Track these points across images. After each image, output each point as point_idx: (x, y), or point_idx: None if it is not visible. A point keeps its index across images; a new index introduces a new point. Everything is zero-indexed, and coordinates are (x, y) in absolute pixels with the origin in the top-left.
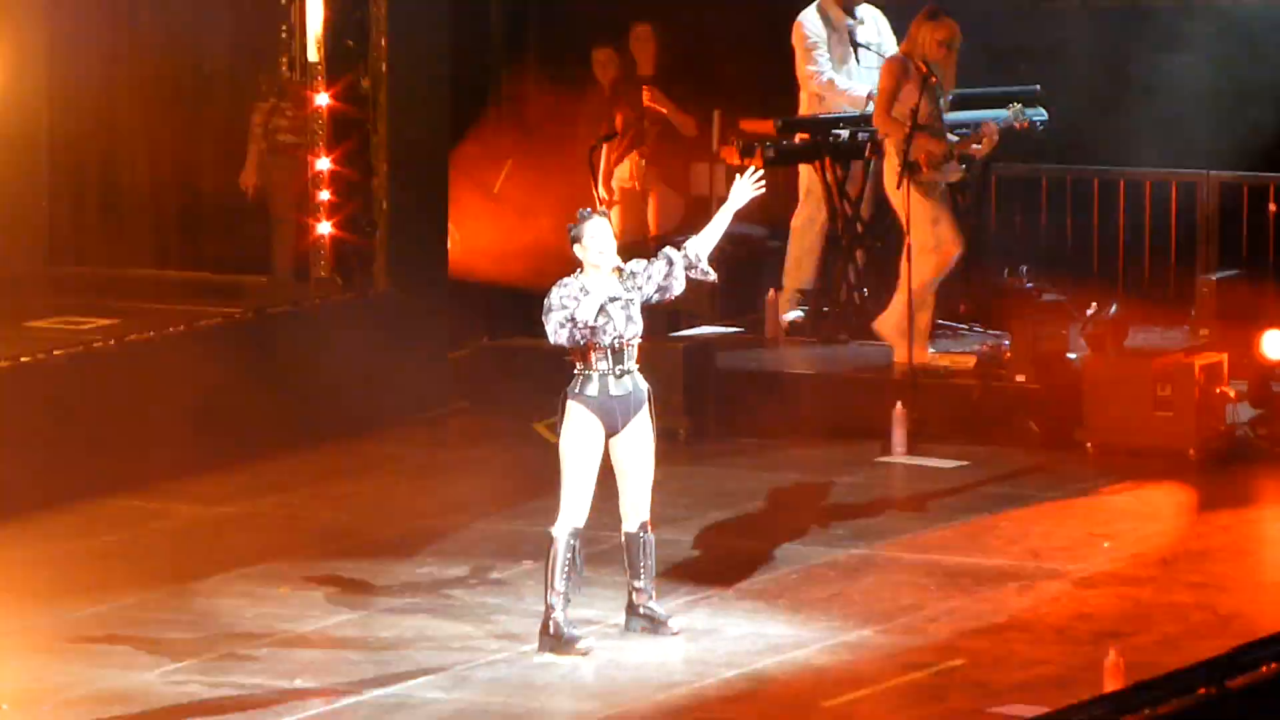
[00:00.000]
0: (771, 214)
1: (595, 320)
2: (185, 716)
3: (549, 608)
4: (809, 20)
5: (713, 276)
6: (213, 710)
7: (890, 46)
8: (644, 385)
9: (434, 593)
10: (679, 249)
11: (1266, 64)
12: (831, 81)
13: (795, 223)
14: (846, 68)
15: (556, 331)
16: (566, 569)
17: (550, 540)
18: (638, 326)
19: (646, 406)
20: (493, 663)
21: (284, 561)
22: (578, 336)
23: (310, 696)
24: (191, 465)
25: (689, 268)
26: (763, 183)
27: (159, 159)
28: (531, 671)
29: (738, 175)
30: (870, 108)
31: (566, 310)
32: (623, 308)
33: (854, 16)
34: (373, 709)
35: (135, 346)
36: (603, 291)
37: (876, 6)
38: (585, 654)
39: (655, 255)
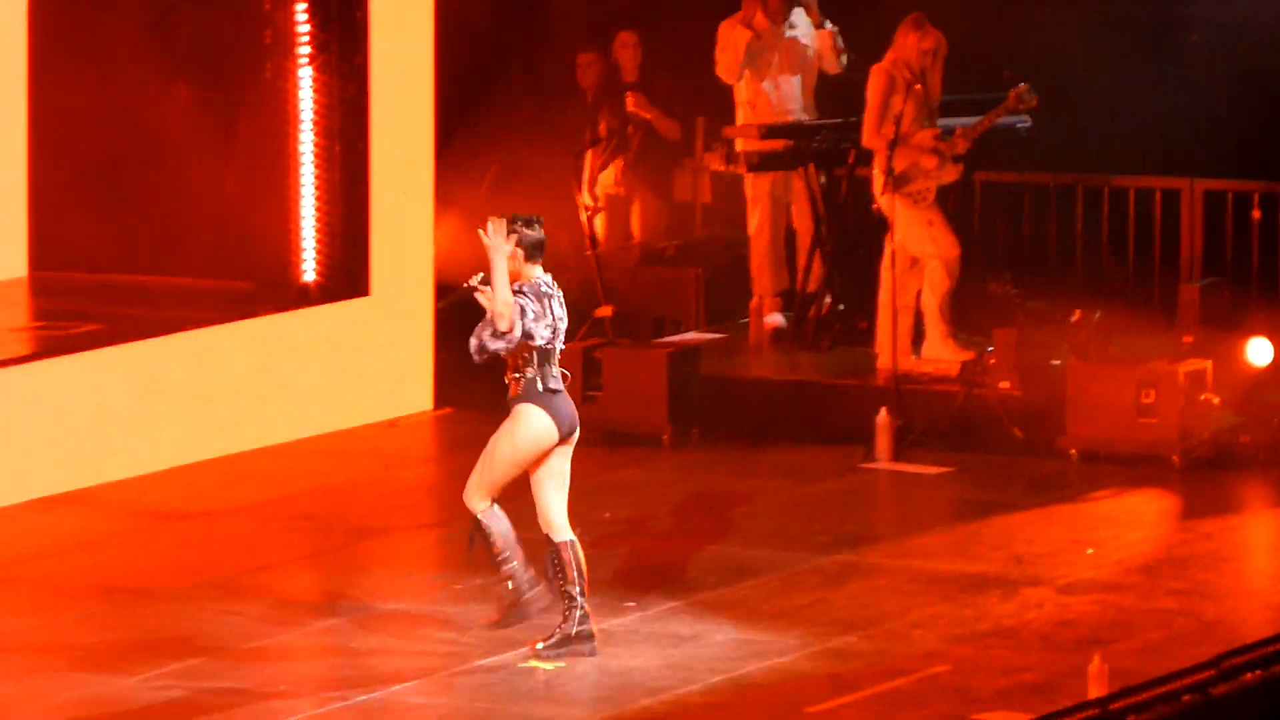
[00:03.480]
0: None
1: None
2: None
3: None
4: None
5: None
6: (194, 713)
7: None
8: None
9: (421, 598)
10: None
11: (1253, 72)
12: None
13: (749, 231)
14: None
15: (528, 328)
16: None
17: (566, 546)
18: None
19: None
20: (477, 669)
21: (264, 567)
22: (545, 334)
23: (291, 699)
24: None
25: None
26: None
27: (144, 157)
28: (515, 678)
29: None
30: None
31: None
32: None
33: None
34: (357, 714)
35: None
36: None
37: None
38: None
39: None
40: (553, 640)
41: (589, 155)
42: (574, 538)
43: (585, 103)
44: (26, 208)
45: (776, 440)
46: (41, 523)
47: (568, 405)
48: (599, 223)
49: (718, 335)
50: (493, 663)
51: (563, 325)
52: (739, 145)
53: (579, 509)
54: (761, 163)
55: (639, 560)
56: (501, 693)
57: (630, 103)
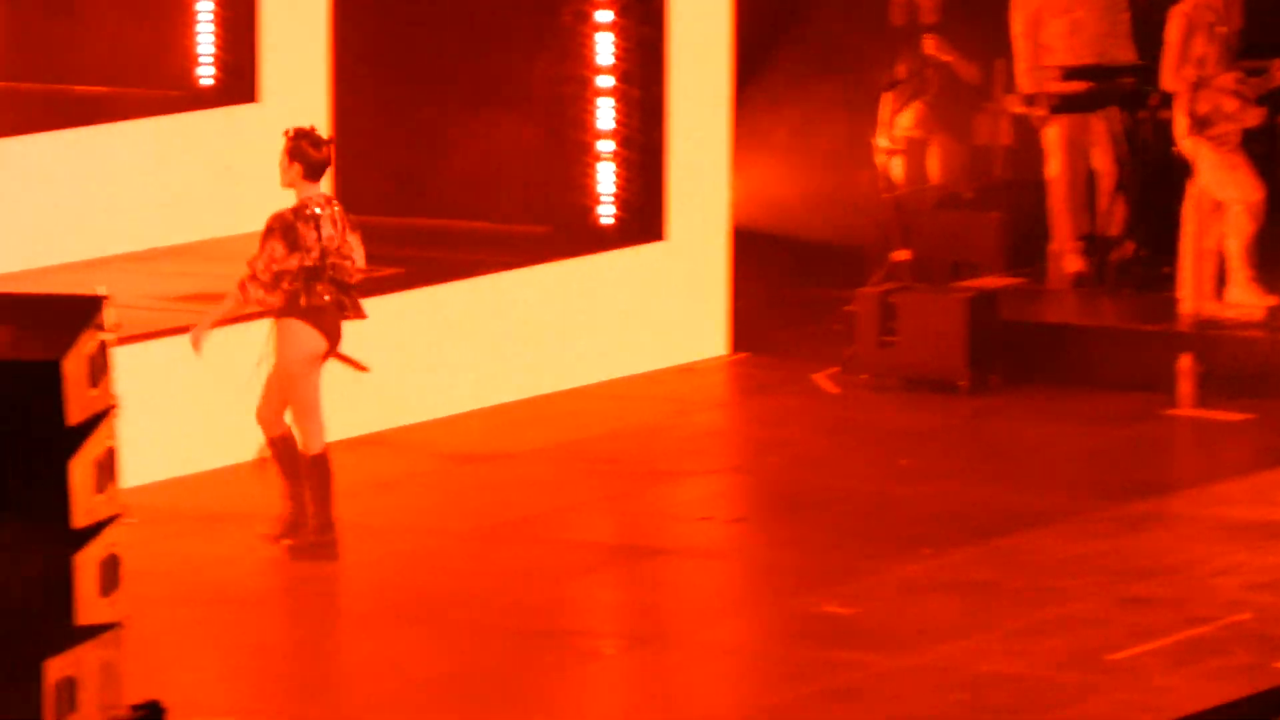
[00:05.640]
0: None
1: None
2: None
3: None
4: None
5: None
6: (491, 656)
7: None
8: None
9: (714, 541)
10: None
11: None
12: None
13: (1048, 174)
14: None
15: (275, 274)
16: None
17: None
18: None
19: None
20: (774, 611)
21: (560, 509)
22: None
23: (592, 640)
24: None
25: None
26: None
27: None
28: (811, 621)
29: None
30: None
31: None
32: None
33: None
34: (656, 655)
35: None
36: None
37: None
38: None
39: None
40: (298, 545)
41: (887, 97)
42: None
43: (889, 40)
44: (330, 153)
45: (1076, 386)
46: (342, 464)
47: (328, 321)
48: (897, 165)
49: (1017, 280)
50: (789, 605)
51: (334, 244)
52: (1038, 88)
53: (875, 455)
54: (1062, 105)
55: (936, 506)
56: (797, 634)
57: (929, 45)
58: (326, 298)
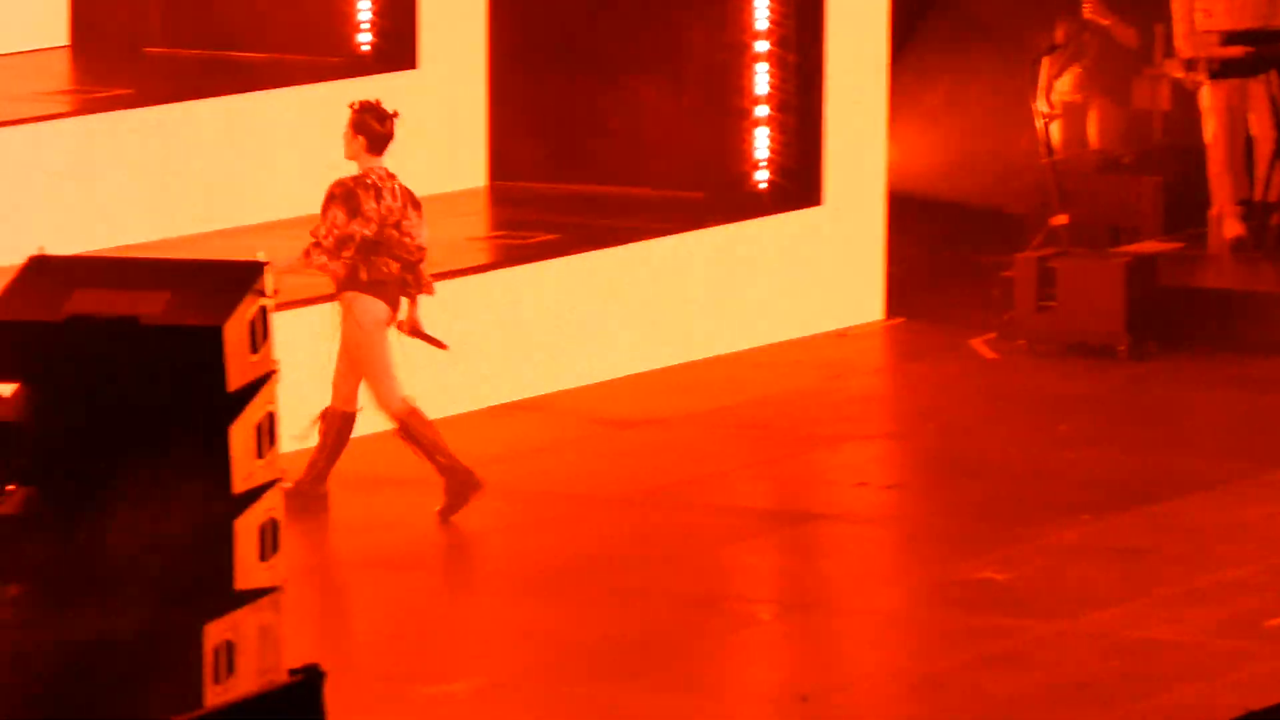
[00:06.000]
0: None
1: None
2: None
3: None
4: None
5: None
6: (649, 620)
7: None
8: None
9: (869, 506)
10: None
11: None
12: None
13: (1206, 139)
14: None
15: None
16: None
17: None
18: None
19: None
20: (925, 577)
21: (714, 475)
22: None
23: (747, 605)
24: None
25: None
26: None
27: (601, 67)
28: (969, 587)
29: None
30: None
31: None
32: None
33: None
34: (811, 621)
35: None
36: None
37: None
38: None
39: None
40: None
41: (1045, 62)
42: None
43: (1043, 8)
44: (488, 120)
45: (1235, 351)
46: (498, 429)
47: (390, 293)
48: (1055, 130)
49: (1175, 244)
50: (945, 571)
51: (394, 218)
52: (1196, 52)
53: (1033, 421)
54: (1222, 70)
55: (1093, 472)
56: (955, 600)
57: (1087, 9)
58: (385, 269)
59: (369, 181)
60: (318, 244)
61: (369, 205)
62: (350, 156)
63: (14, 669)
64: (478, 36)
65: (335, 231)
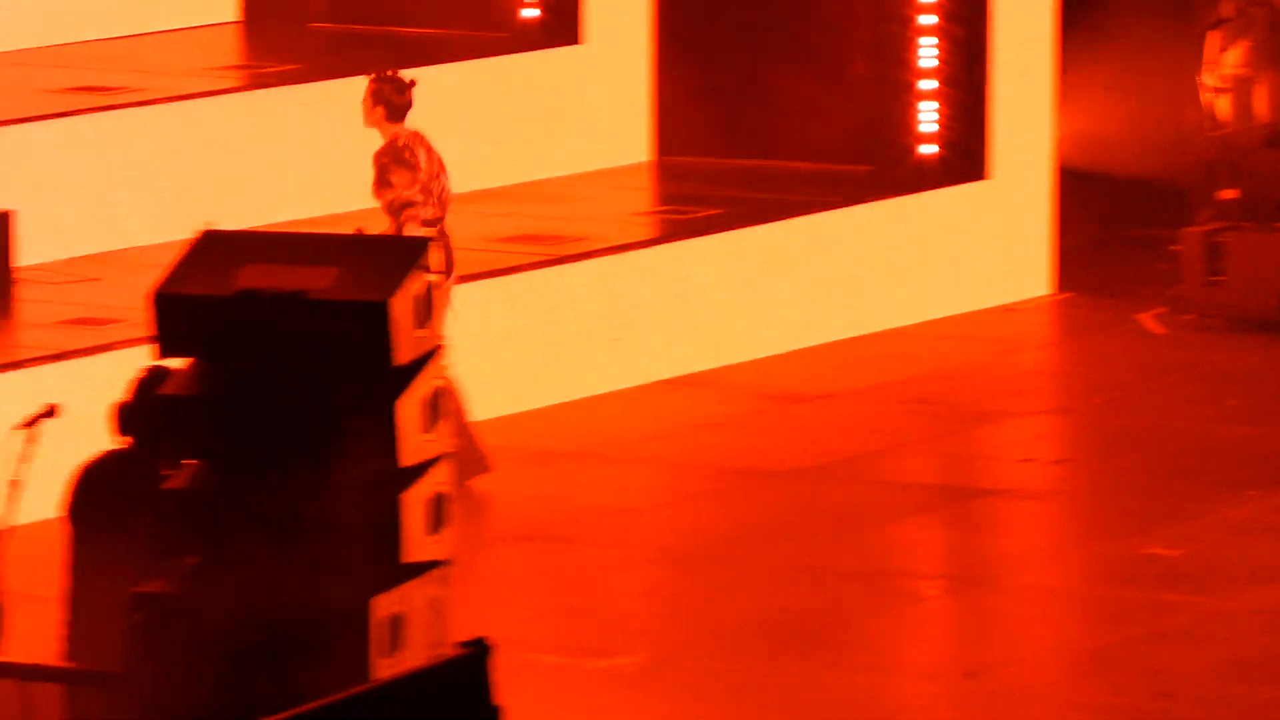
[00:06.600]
0: None
1: None
2: None
3: None
4: None
5: None
6: (823, 594)
7: None
8: None
9: (1036, 482)
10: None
11: None
12: None
13: None
14: None
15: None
16: None
17: None
18: None
19: None
20: (1092, 553)
21: (882, 450)
22: None
23: (916, 580)
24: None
25: None
26: None
27: (767, 43)
28: (1132, 562)
29: None
30: None
31: None
32: None
33: None
34: (978, 597)
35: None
36: None
37: None
38: None
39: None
40: None
41: (1214, 35)
42: None
43: None
44: (653, 94)
45: None
46: (664, 404)
47: (447, 244)
48: (1223, 103)
49: None
50: (1113, 547)
51: (434, 171)
52: None
53: (1202, 396)
54: None
55: (1263, 448)
56: (1121, 576)
57: None
58: (438, 220)
59: (400, 144)
60: (407, 204)
61: (416, 161)
62: (370, 124)
63: (189, 641)
64: (642, 11)
65: (414, 185)
